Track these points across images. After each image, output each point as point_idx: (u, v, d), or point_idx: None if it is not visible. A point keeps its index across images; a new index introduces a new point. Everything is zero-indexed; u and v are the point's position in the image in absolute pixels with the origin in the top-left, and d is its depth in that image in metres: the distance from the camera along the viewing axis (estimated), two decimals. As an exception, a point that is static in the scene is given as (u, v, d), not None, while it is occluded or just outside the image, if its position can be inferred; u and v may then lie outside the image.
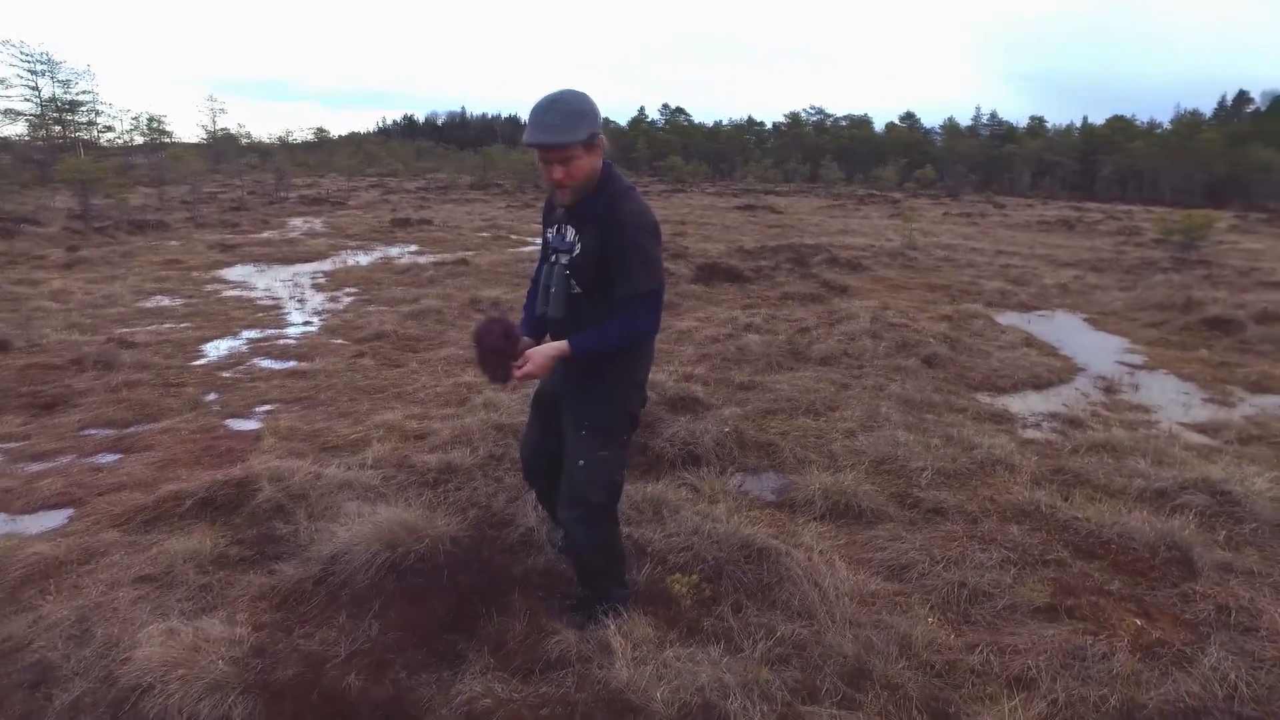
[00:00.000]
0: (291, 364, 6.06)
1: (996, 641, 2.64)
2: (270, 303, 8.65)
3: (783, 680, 2.38)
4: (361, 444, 4.29)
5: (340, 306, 8.53)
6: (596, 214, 2.34)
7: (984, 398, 5.71)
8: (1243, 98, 79.41)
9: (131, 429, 4.59)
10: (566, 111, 2.24)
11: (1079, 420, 5.16)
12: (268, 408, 5.04)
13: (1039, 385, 6.11)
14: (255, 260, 12.02)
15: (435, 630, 2.52)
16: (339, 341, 6.81)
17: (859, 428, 4.77)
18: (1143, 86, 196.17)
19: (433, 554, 2.80)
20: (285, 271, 11.08)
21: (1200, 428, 5.20)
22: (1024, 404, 5.60)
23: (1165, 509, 3.69)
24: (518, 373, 2.35)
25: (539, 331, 2.65)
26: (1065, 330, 8.29)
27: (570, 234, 2.42)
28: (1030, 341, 7.47)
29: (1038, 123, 79.04)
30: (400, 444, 4.23)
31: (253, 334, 7.10)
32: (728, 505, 3.54)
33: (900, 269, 12.40)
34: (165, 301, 8.49)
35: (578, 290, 2.44)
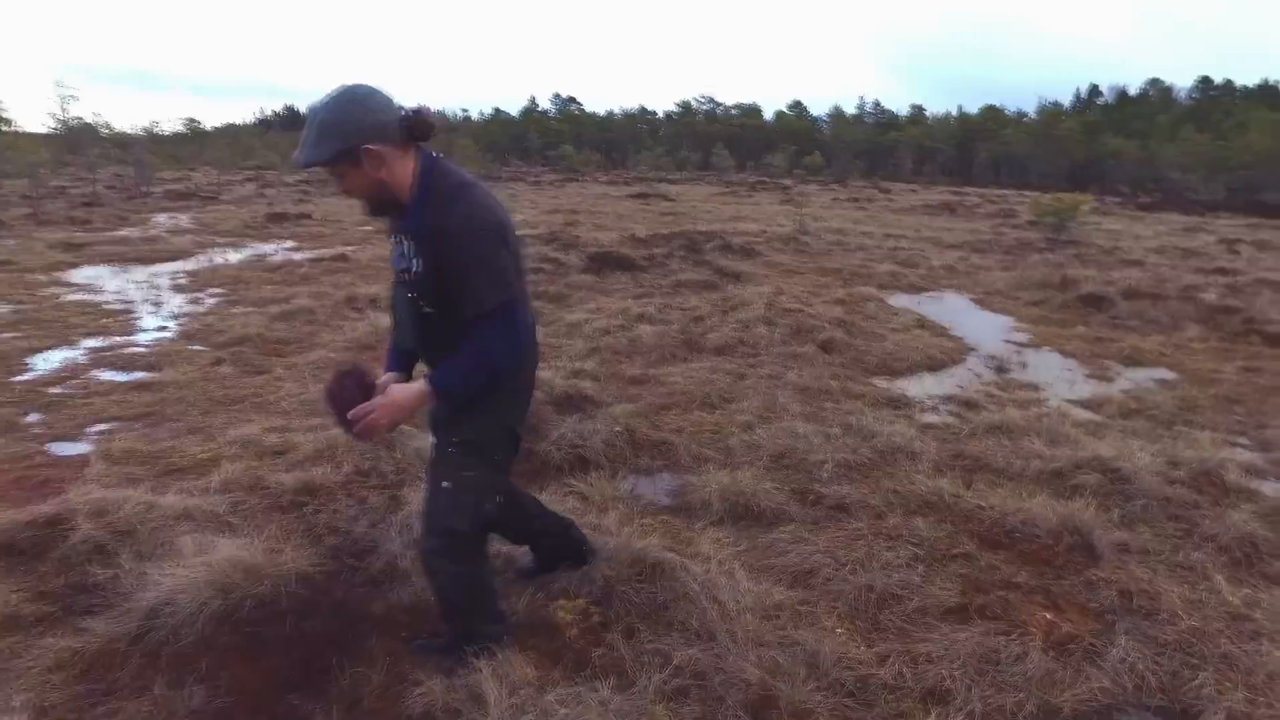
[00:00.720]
0: (137, 375, 5.40)
1: (909, 650, 2.47)
2: (120, 307, 7.80)
3: (680, 718, 2.12)
4: (210, 465, 3.79)
5: (202, 309, 7.78)
6: (425, 224, 2.02)
7: (881, 382, 5.66)
8: (1094, 92, 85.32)
9: (-73, 461, 3.92)
10: (316, 125, 1.93)
11: (974, 402, 5.15)
12: (103, 427, 4.43)
13: (933, 367, 6.12)
14: (108, 260, 10.93)
15: (275, 692, 2.13)
16: (197, 348, 6.16)
17: (757, 420, 4.60)
18: (1012, 78, 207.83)
19: (275, 597, 2.41)
20: (142, 272, 10.10)
21: (1085, 403, 5.29)
22: (920, 387, 5.57)
23: (1063, 490, 3.65)
24: (368, 421, 2.03)
25: (409, 362, 2.31)
26: (955, 311, 8.43)
27: (407, 248, 2.09)
28: (923, 323, 7.53)
29: (918, 111, 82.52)
30: (256, 462, 3.76)
31: (95, 343, 6.34)
32: (619, 514, 3.26)
33: (793, 254, 12.46)
34: (-10, 309, 7.54)
35: (429, 311, 2.11)
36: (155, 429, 4.38)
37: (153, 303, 8.01)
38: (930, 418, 4.88)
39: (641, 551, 2.77)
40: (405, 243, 2.08)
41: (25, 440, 4.19)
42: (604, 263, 9.70)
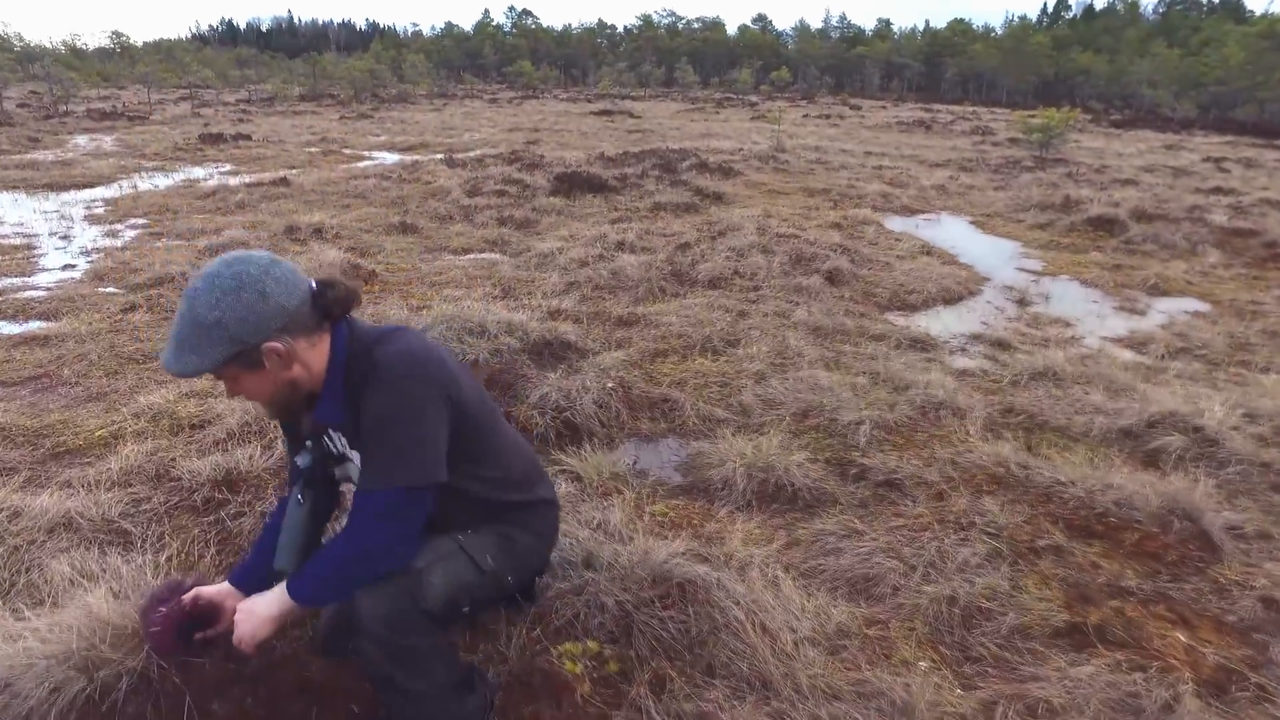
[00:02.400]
0: (30, 326, 4.56)
1: (1020, 694, 1.89)
2: (20, 241, 6.81)
3: (747, 830, 1.53)
4: (109, 445, 3.05)
5: (119, 243, 6.83)
6: (349, 402, 1.61)
7: (896, 318, 5.04)
8: (1062, 5, 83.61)
9: None
10: (194, 323, 1.45)
11: (1005, 341, 4.57)
12: (-21, 394, 3.64)
13: (949, 300, 5.52)
14: (12, 187, 9.76)
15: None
16: (108, 290, 5.29)
17: (769, 368, 3.95)
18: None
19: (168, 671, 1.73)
20: (52, 201, 9.00)
21: (1125, 342, 4.73)
22: (940, 324, 4.97)
23: (1143, 455, 3.09)
24: (238, 644, 1.58)
25: (257, 587, 1.76)
26: (956, 235, 7.80)
27: (336, 441, 1.73)
28: (928, 249, 6.90)
29: (885, 26, 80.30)
30: (165, 440, 3.02)
31: (-16, 286, 5.43)
32: (626, 503, 2.62)
33: (773, 173, 11.68)
34: None
35: None
36: (44, 396, 3.59)
37: (60, 236, 7.02)
38: (962, 361, 4.28)
39: (664, 567, 2.13)
40: (333, 436, 1.72)
41: (-121, 414, 3.39)
42: (573, 184, 8.84)
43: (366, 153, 14.06)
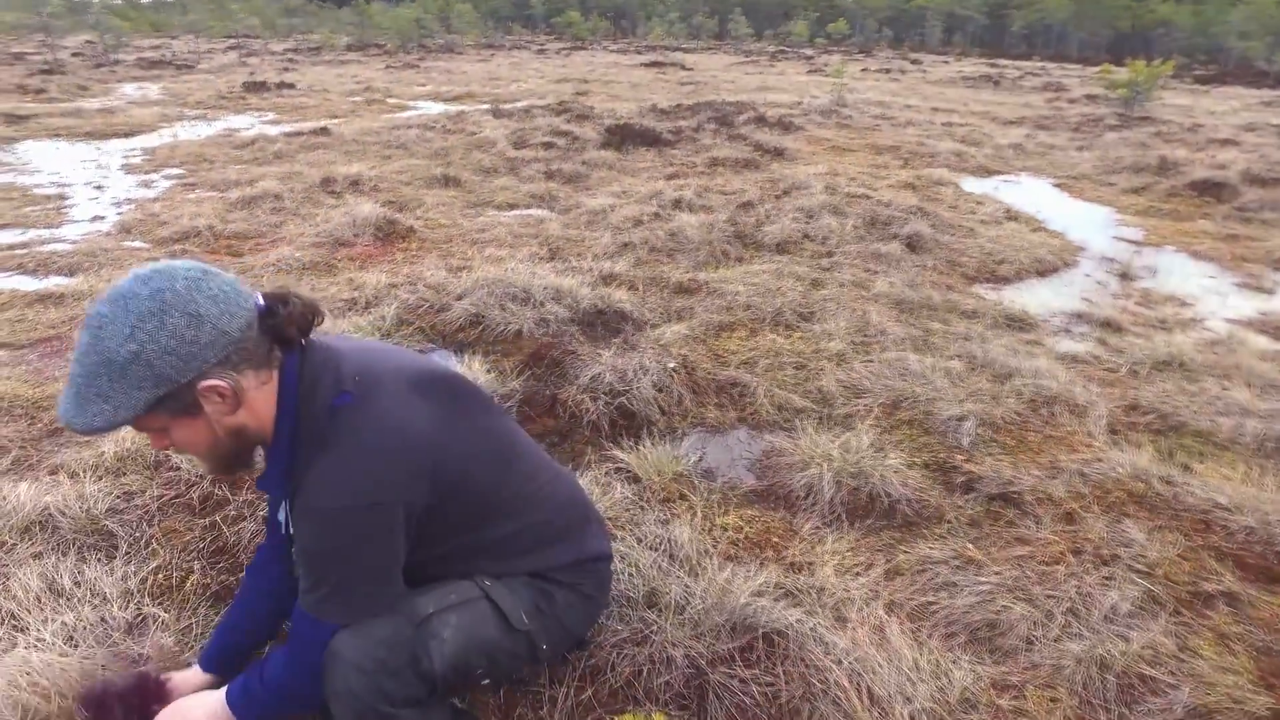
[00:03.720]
0: (49, 282, 4.27)
1: (1218, 809, 1.45)
2: (54, 191, 6.57)
3: None
4: (108, 422, 2.72)
5: (152, 194, 6.54)
6: (289, 484, 1.27)
7: (986, 292, 4.49)
8: (1144, -52, 78.82)
9: None
10: (106, 362, 1.07)
11: (1114, 322, 4.01)
12: (-16, 358, 3.35)
13: (1043, 271, 4.93)
14: (54, 135, 9.56)
15: None
16: (133, 244, 4.99)
17: (850, 349, 3.47)
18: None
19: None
20: (92, 149, 8.78)
21: (1257, 326, 4.13)
22: (1036, 299, 4.41)
23: (1315, 470, 2.57)
24: None
25: (241, 657, 1.52)
26: (1041, 199, 7.12)
27: (283, 508, 1.41)
28: (1013, 214, 6.27)
29: (947, -26, 76.62)
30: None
31: (7, 236, 5.17)
32: (691, 515, 2.20)
33: (836, 128, 10.97)
34: (-103, 193, 6.31)
35: None
36: (51, 361, 3.29)
37: (94, 186, 6.76)
38: (1066, 344, 3.75)
39: (747, 611, 1.71)
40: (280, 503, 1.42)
41: (-126, 377, 3.11)
42: (625, 137, 8.31)
43: (411, 103, 13.64)
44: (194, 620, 1.62)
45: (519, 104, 12.20)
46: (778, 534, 2.23)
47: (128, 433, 2.54)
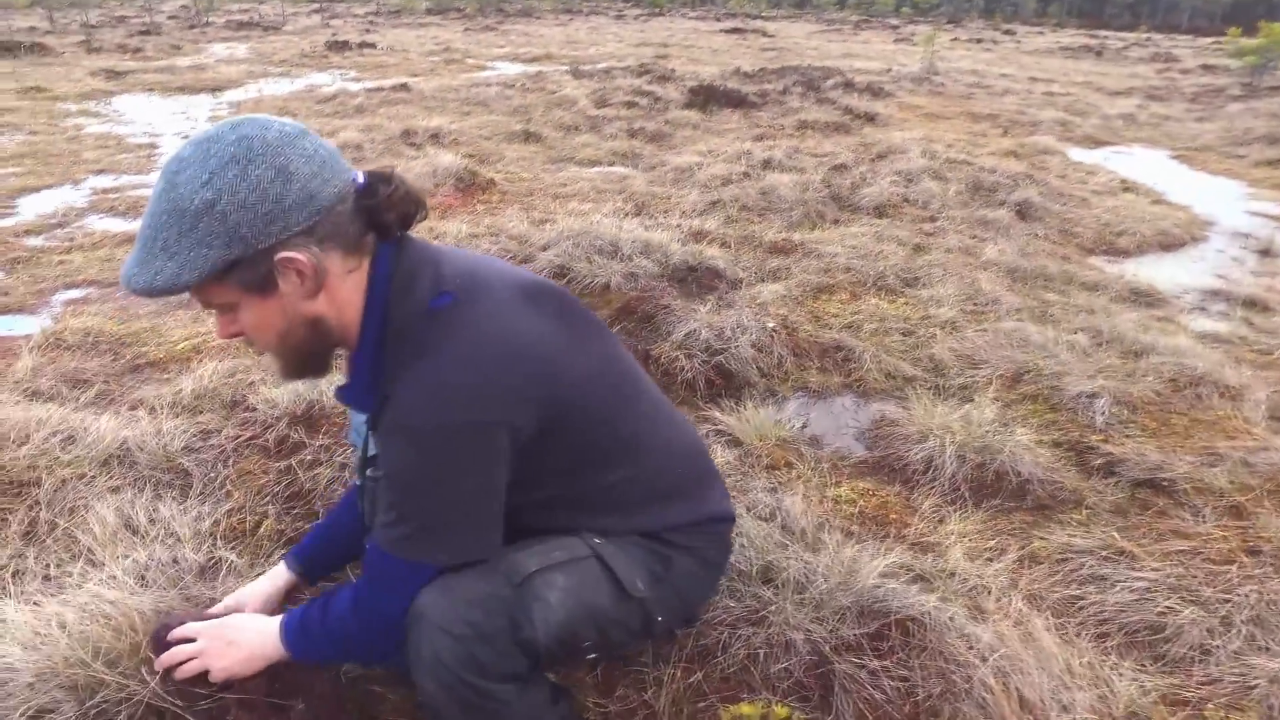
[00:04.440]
0: (137, 223, 4.26)
1: None
2: (145, 140, 6.67)
3: None
4: (187, 360, 2.66)
5: (236, 143, 6.57)
6: (375, 397, 1.07)
7: (1105, 264, 4.12)
8: (1266, -88, 73.40)
9: None
10: (176, 210, 0.90)
11: (1258, 300, 3.61)
12: (73, 295, 3.35)
13: (1168, 245, 4.51)
14: (148, 89, 9.77)
15: None
16: (217, 190, 4.98)
17: (961, 316, 3.19)
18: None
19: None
20: (181, 103, 8.92)
21: None
22: (1161, 273, 4.02)
23: None
24: (185, 668, 1.16)
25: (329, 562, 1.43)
26: (1159, 170, 6.59)
27: (362, 428, 1.21)
28: (1129, 185, 5.80)
29: (1045, -59, 72.80)
30: (247, 359, 2.59)
31: (102, 181, 5.23)
32: (802, 484, 2.00)
33: (928, 96, 10.44)
34: (-2, 138, 6.48)
35: None
36: (136, 299, 3.25)
37: (183, 136, 6.83)
38: (1205, 323, 3.39)
39: (876, 594, 1.50)
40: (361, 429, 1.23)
41: (-33, 310, 3.13)
42: (709, 98, 8.02)
43: (489, 63, 13.54)
44: (267, 566, 1.50)
45: (598, 66, 11.97)
46: (895, 510, 2.00)
47: (206, 369, 2.46)
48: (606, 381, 1.13)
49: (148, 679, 1.15)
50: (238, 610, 1.28)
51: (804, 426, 2.39)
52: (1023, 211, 4.63)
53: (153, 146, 6.42)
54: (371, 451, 1.17)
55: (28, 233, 4.12)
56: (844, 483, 2.10)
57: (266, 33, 20.46)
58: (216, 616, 1.23)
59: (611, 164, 5.76)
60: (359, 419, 1.22)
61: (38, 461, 1.95)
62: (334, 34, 19.19)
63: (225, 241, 0.90)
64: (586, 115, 7.29)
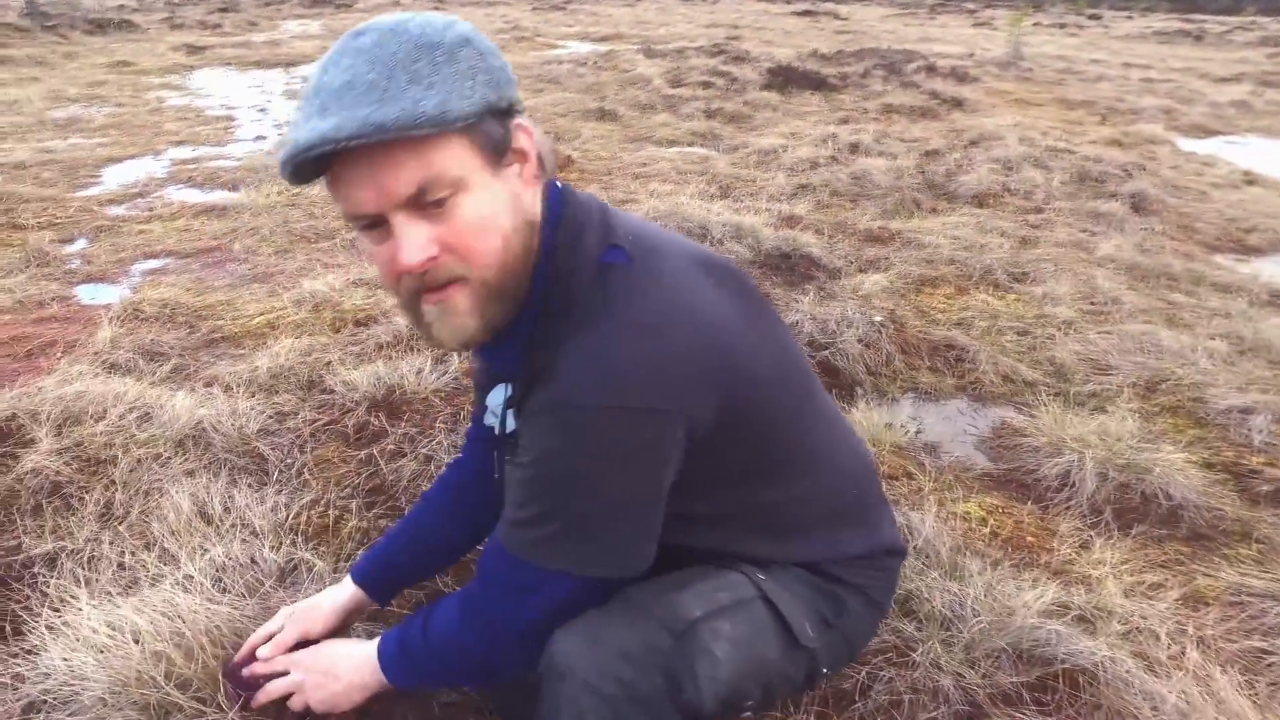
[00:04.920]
0: (214, 195, 4.24)
1: None
2: (223, 113, 6.69)
3: None
4: (264, 336, 2.56)
5: (311, 118, 6.56)
6: (528, 364, 0.88)
7: (1235, 263, 3.77)
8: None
9: (-83, 300, 2.89)
10: (419, 45, 0.72)
11: None
12: (151, 265, 3.30)
13: (1303, 243, 4.12)
14: (226, 64, 9.89)
15: None
16: (293, 163, 4.94)
17: (1080, 316, 2.93)
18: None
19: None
20: (257, 76, 8.99)
21: None
22: (1302, 274, 3.66)
23: None
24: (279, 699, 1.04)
25: (413, 572, 1.27)
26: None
27: (502, 410, 0.99)
28: (1252, 178, 5.35)
29: (1135, -78, 69.49)
30: (325, 338, 2.49)
31: (181, 152, 5.24)
32: (925, 497, 1.79)
33: (1016, 81, 9.93)
34: (83, 110, 6.57)
35: None
36: (213, 271, 3.19)
37: (258, 109, 6.86)
38: (1358, 329, 3.04)
39: (1037, 640, 1.30)
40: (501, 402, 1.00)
41: (52, 279, 3.11)
42: (788, 79, 7.73)
43: (559, 41, 13.40)
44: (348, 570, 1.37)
45: (670, 46, 11.72)
46: (1032, 532, 1.79)
47: (282, 346, 2.36)
48: (785, 378, 0.95)
49: (225, 707, 1.02)
50: (303, 629, 1.14)
51: (918, 432, 2.18)
52: (1137, 204, 4.28)
53: (229, 119, 6.43)
54: (510, 428, 0.98)
55: (110, 202, 4.11)
56: (970, 498, 1.89)
57: (338, 10, 20.67)
58: (273, 634, 1.11)
59: (690, 144, 5.55)
60: (496, 397, 1.03)
61: (114, 439, 1.87)
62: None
63: (487, 80, 0.75)
64: (662, 94, 7.09)
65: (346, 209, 0.78)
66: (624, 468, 0.82)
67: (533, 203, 0.84)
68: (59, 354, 2.45)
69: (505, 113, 0.78)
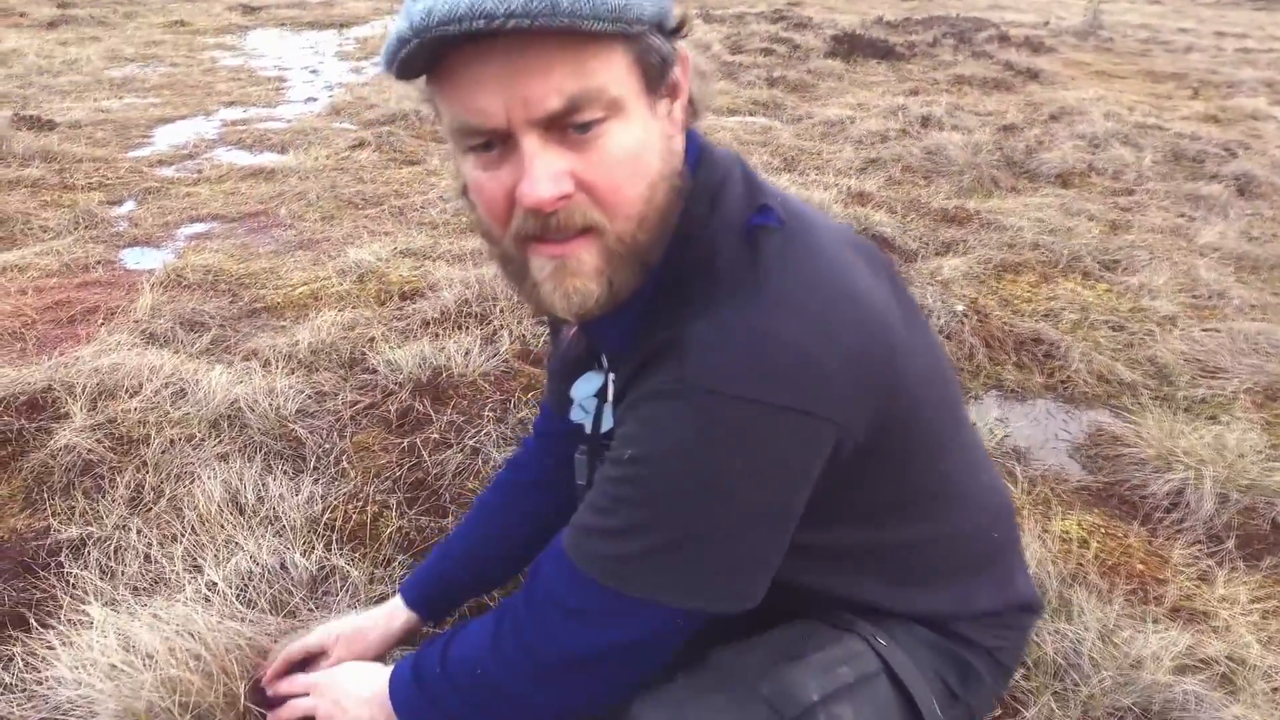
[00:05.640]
0: (263, 158, 4.16)
1: None
2: (275, 74, 6.63)
3: None
4: (306, 307, 2.46)
5: (361, 79, 6.46)
6: (650, 346, 0.67)
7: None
8: None
9: (-35, 260, 2.84)
10: None
11: None
12: (197, 229, 3.22)
13: None
14: (280, 24, 9.83)
15: None
16: (341, 125, 4.83)
17: (1182, 310, 2.67)
18: None
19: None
20: (311, 37, 8.92)
21: None
22: None
23: None
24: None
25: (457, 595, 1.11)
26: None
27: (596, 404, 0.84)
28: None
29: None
30: (368, 312, 2.37)
31: (232, 114, 5.17)
32: (1040, 527, 1.61)
33: (1096, 52, 9.39)
34: (139, 70, 6.55)
35: None
36: (257, 236, 3.10)
37: (310, 71, 6.77)
38: None
39: (1170, 701, 1.12)
40: (596, 391, 0.85)
41: (98, 242, 3.04)
42: (853, 47, 7.38)
43: None
44: (386, 581, 1.24)
45: (729, 10, 11.35)
46: (1140, 559, 1.59)
47: (324, 319, 2.25)
48: (940, 395, 0.79)
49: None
50: (341, 649, 1.01)
51: (1006, 435, 1.98)
52: (1242, 187, 3.94)
53: (281, 80, 6.36)
54: (607, 427, 0.82)
55: (160, 163, 4.06)
56: (1068, 514, 1.70)
57: (394, -27, 20.59)
58: (311, 652, 0.98)
59: (752, 113, 5.30)
60: (585, 388, 0.87)
61: (148, 416, 1.77)
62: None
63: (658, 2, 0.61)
64: (721, 61, 6.82)
65: (460, 118, 0.62)
66: (759, 479, 0.65)
67: (679, 150, 0.68)
68: (100, 321, 2.37)
69: (673, 34, 0.64)
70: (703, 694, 0.72)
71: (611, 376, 0.82)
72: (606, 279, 0.65)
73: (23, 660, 1.17)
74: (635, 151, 0.62)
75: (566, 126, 0.59)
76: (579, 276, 0.64)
